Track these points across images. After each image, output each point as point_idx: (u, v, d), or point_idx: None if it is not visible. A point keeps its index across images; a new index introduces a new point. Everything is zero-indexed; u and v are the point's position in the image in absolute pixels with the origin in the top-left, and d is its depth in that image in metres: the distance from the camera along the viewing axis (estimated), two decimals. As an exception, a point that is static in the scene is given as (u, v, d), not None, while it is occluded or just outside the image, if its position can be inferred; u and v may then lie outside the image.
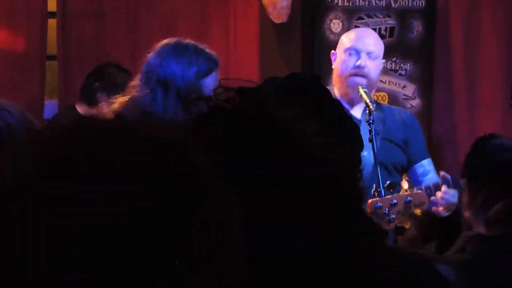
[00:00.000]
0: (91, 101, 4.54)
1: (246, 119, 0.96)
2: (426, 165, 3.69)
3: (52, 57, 5.26)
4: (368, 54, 3.61)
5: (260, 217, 0.89)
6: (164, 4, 5.24)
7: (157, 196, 0.70)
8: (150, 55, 2.76)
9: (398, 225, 3.15)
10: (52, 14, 5.22)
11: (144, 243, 0.68)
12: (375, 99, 4.30)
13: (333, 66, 3.70)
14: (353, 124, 1.62)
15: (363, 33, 3.80)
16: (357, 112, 3.61)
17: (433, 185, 3.45)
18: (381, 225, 3.05)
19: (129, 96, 2.71)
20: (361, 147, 1.61)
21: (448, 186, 3.42)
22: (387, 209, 3.12)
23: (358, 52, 3.61)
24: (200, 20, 5.24)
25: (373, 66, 3.62)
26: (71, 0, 5.19)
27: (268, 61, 5.14)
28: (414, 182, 3.66)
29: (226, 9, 5.23)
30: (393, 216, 3.16)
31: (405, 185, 3.35)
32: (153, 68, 2.71)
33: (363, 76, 3.56)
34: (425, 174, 3.68)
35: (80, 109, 4.60)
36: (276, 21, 5.06)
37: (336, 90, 3.62)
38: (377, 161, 3.25)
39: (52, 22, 5.25)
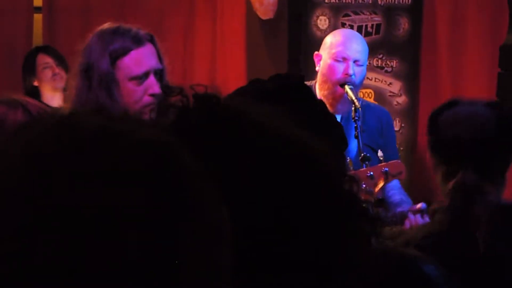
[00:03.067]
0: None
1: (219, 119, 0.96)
2: None
3: (38, 52, 5.24)
4: (355, 61, 3.59)
5: (246, 216, 0.89)
6: (151, 0, 5.23)
7: (147, 196, 0.70)
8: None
9: (378, 197, 3.16)
10: (38, 9, 5.21)
11: (135, 244, 0.68)
12: (361, 96, 4.32)
13: (317, 68, 3.67)
14: (337, 123, 1.62)
15: (350, 38, 3.71)
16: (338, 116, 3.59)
17: (399, 215, 3.45)
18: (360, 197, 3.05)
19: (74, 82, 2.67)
20: (345, 145, 1.61)
21: (421, 215, 3.40)
22: (364, 183, 3.11)
23: (346, 60, 3.58)
24: (187, 16, 5.24)
25: (360, 73, 3.61)
26: (57, -5, 5.18)
27: (255, 58, 5.14)
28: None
29: (213, 5, 5.23)
30: (371, 188, 3.17)
31: (379, 153, 3.35)
32: (81, 57, 2.66)
33: (350, 83, 3.54)
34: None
35: None
36: (263, 17, 5.06)
37: (319, 91, 3.60)
38: (364, 157, 3.26)
39: (38, 17, 5.23)
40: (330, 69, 3.58)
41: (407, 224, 3.40)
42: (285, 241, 0.90)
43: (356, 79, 3.56)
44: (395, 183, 3.65)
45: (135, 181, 0.70)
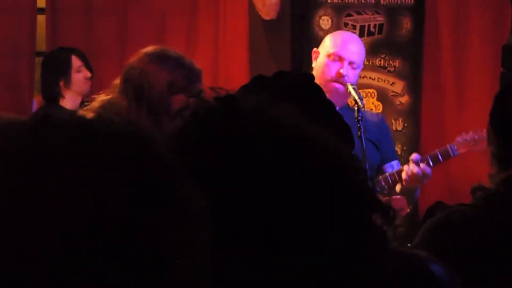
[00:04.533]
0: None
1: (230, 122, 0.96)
2: (394, 166, 3.75)
3: (41, 54, 5.25)
4: (351, 63, 3.61)
5: (262, 209, 0.90)
6: (153, 0, 5.24)
7: (128, 194, 0.70)
8: (132, 60, 2.70)
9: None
10: (41, 10, 5.21)
11: (117, 242, 0.68)
12: (364, 96, 4.33)
13: (313, 65, 3.69)
14: (345, 124, 1.63)
15: (349, 40, 3.73)
16: None
17: (396, 172, 3.55)
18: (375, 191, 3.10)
19: (109, 97, 2.68)
20: (352, 147, 1.62)
21: (416, 164, 3.52)
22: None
23: (341, 60, 3.60)
24: (190, 16, 5.24)
25: (353, 75, 3.63)
26: (60, -4, 5.19)
27: (258, 58, 5.14)
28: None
29: (216, 6, 5.24)
30: None
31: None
32: (131, 76, 2.66)
33: (342, 84, 3.57)
34: None
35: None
36: (266, 17, 5.07)
37: None
38: (365, 158, 3.27)
39: (41, 18, 5.24)
40: (325, 67, 3.61)
41: (404, 176, 3.49)
42: (298, 233, 0.90)
43: (349, 80, 3.58)
44: (398, 168, 3.71)
45: (113, 175, 0.70)
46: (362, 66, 3.74)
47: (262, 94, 1.49)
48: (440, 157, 3.69)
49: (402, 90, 5.01)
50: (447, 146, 3.76)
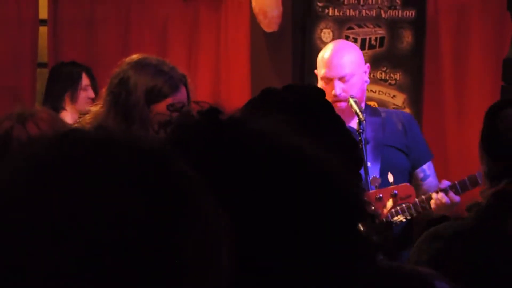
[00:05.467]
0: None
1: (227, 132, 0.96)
2: (426, 170, 3.72)
3: (43, 65, 5.26)
4: (341, 78, 3.56)
5: (250, 229, 0.90)
6: (155, 12, 5.25)
7: (148, 204, 0.71)
8: (115, 70, 2.72)
9: (386, 219, 3.18)
10: (44, 22, 5.23)
11: (138, 253, 0.69)
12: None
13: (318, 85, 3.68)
14: (354, 141, 1.62)
15: (333, 55, 3.62)
16: None
17: (425, 198, 3.51)
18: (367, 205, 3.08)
19: (98, 108, 2.70)
20: (361, 164, 1.62)
21: (445, 193, 3.48)
22: (372, 204, 3.14)
23: (331, 81, 3.55)
24: (191, 27, 5.25)
25: (350, 86, 3.56)
26: (62, 7, 5.20)
27: (259, 70, 5.15)
28: (415, 186, 3.69)
29: (217, 18, 5.25)
30: (380, 210, 3.20)
31: (390, 178, 3.37)
32: (111, 85, 2.68)
33: (342, 101, 3.54)
34: (425, 178, 3.71)
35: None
36: (267, 30, 5.08)
37: None
38: (367, 170, 3.27)
39: (43, 30, 5.25)
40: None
41: (433, 206, 3.46)
42: (285, 246, 0.90)
43: (348, 93, 3.55)
44: (430, 171, 3.68)
45: (135, 188, 0.71)
46: (362, 68, 3.64)
47: (269, 107, 1.49)
48: (468, 185, 3.63)
49: (403, 103, 5.02)
50: (476, 173, 3.68)
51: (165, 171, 0.74)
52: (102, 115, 2.63)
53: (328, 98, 3.51)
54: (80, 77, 4.80)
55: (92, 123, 2.63)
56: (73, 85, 4.77)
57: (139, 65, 2.66)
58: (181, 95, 2.69)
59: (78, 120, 2.75)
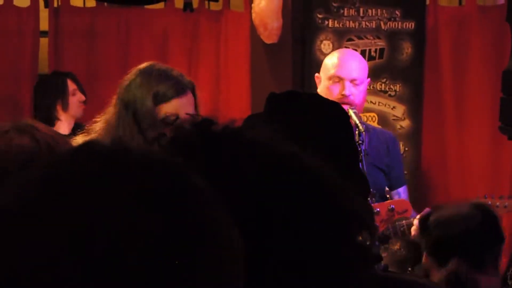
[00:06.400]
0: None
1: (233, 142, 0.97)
2: (401, 193, 3.73)
3: (44, 76, 5.26)
4: (352, 81, 3.60)
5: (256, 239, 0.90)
6: (155, 23, 5.26)
7: (163, 219, 0.71)
8: (125, 77, 2.78)
9: (382, 234, 3.18)
10: (44, 33, 5.24)
11: (151, 265, 0.69)
12: (365, 120, 4.33)
13: (318, 90, 3.69)
14: (355, 148, 1.63)
15: (345, 58, 3.70)
16: None
17: (406, 223, 3.50)
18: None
19: (106, 116, 2.74)
20: (356, 170, 1.62)
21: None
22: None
23: (342, 80, 3.58)
24: (191, 39, 5.26)
25: (358, 92, 3.60)
26: (63, 19, 5.21)
27: (259, 82, 5.16)
28: None
29: (217, 29, 5.26)
30: (377, 224, 3.20)
31: (387, 193, 3.38)
32: (121, 90, 2.73)
33: (348, 104, 3.55)
34: None
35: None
36: (267, 41, 5.09)
37: None
38: (371, 194, 3.27)
39: (43, 41, 5.26)
40: (328, 90, 3.60)
41: (413, 232, 3.45)
42: (281, 256, 0.91)
43: (355, 98, 3.57)
44: (405, 195, 3.68)
45: (150, 203, 0.72)
46: (367, 80, 3.69)
47: (276, 117, 1.49)
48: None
49: (403, 114, 5.02)
50: None
51: (178, 184, 0.74)
52: (113, 121, 2.67)
53: (335, 98, 3.54)
54: (65, 84, 4.83)
55: (103, 130, 2.66)
56: (61, 93, 4.80)
57: (147, 71, 2.71)
58: (188, 99, 2.72)
59: (83, 130, 2.77)
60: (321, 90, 3.64)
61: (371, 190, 3.26)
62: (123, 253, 0.69)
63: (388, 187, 3.67)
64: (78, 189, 0.72)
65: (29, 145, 1.80)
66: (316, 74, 3.76)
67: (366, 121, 4.69)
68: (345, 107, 3.53)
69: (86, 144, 0.76)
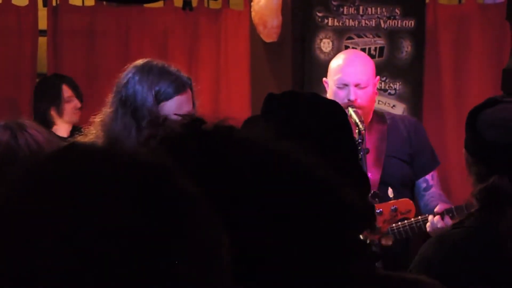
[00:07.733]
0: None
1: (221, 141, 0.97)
2: (429, 180, 3.71)
3: (42, 75, 5.26)
4: (357, 85, 3.60)
5: (247, 238, 0.90)
6: (155, 22, 5.26)
7: (146, 217, 0.71)
8: (120, 75, 2.78)
9: (384, 234, 3.18)
10: (43, 32, 5.23)
11: (134, 264, 0.70)
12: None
13: (327, 94, 3.69)
14: (355, 149, 1.62)
15: (349, 62, 3.69)
16: None
17: (422, 219, 3.49)
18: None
19: (105, 110, 2.74)
20: (366, 176, 1.61)
21: (441, 217, 3.46)
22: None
23: (346, 86, 3.59)
24: (191, 38, 5.26)
25: (365, 95, 3.60)
26: (62, 18, 5.20)
27: (259, 80, 5.16)
28: (417, 196, 3.68)
29: (217, 28, 5.26)
30: (379, 225, 3.20)
31: (390, 193, 3.37)
32: (118, 87, 2.73)
33: (357, 107, 3.55)
34: (427, 189, 3.70)
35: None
36: (267, 40, 5.09)
37: None
38: (374, 194, 3.26)
39: (42, 40, 5.26)
40: (335, 96, 3.60)
41: (429, 229, 3.45)
42: (279, 253, 0.90)
43: (362, 101, 3.58)
44: (433, 181, 3.66)
45: (133, 201, 0.72)
46: (374, 80, 3.69)
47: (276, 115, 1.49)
48: (465, 210, 3.62)
49: (403, 112, 5.02)
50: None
51: (163, 185, 0.74)
52: (109, 121, 2.67)
53: (342, 103, 3.54)
54: (59, 91, 4.83)
55: (100, 131, 2.66)
56: (55, 100, 4.80)
57: (145, 67, 2.72)
58: (188, 96, 2.74)
59: (80, 133, 2.77)
60: (329, 94, 3.65)
61: (374, 190, 3.26)
62: (106, 250, 0.69)
63: (414, 175, 3.66)
64: (61, 189, 0.72)
65: (7, 142, 1.81)
66: (324, 79, 3.77)
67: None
68: (356, 107, 3.55)
69: (72, 145, 0.76)
